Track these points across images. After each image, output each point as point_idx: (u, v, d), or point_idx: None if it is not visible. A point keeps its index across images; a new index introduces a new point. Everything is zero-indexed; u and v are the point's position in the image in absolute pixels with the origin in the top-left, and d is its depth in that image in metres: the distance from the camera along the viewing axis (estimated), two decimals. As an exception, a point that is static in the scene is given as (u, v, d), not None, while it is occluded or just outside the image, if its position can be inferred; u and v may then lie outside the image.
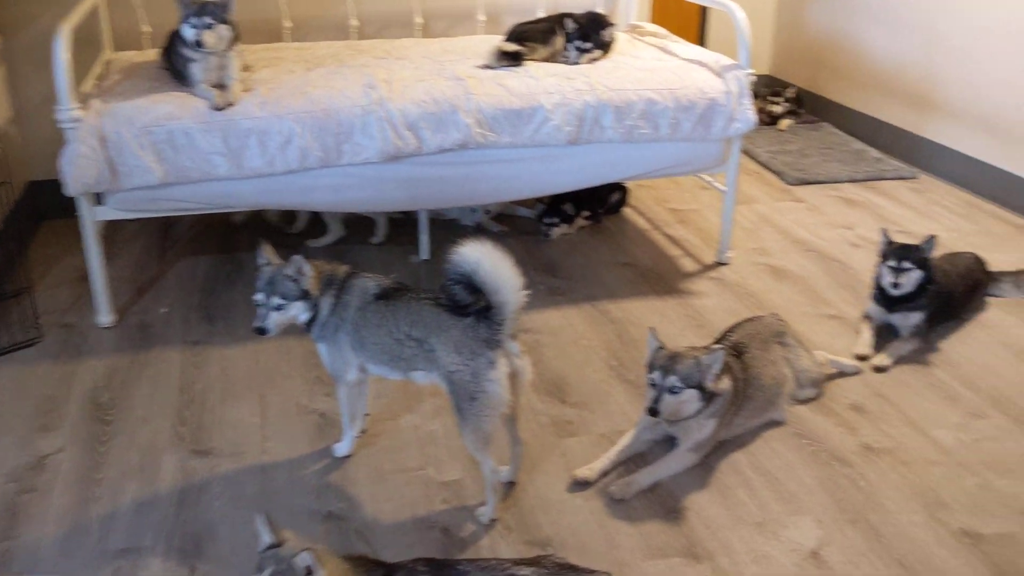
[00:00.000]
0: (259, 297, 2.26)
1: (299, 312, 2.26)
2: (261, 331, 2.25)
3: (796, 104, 5.48)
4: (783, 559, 2.12)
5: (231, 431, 2.60)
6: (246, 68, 3.33)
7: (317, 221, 3.87)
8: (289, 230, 3.90)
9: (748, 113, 3.37)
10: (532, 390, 2.74)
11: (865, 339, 3.04)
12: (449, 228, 3.90)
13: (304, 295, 2.24)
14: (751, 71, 3.40)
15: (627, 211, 4.17)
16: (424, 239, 3.62)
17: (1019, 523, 2.24)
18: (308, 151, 3.05)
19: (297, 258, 2.23)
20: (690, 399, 2.30)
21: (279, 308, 2.24)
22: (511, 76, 3.31)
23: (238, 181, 3.06)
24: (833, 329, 3.16)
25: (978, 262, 3.35)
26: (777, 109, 5.40)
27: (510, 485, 2.35)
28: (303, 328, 2.31)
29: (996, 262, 3.48)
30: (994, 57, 4.29)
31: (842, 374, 2.88)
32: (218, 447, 2.53)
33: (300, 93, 3.11)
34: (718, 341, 2.64)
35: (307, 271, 2.24)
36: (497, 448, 2.25)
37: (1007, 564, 2.11)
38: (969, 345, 3.08)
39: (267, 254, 2.29)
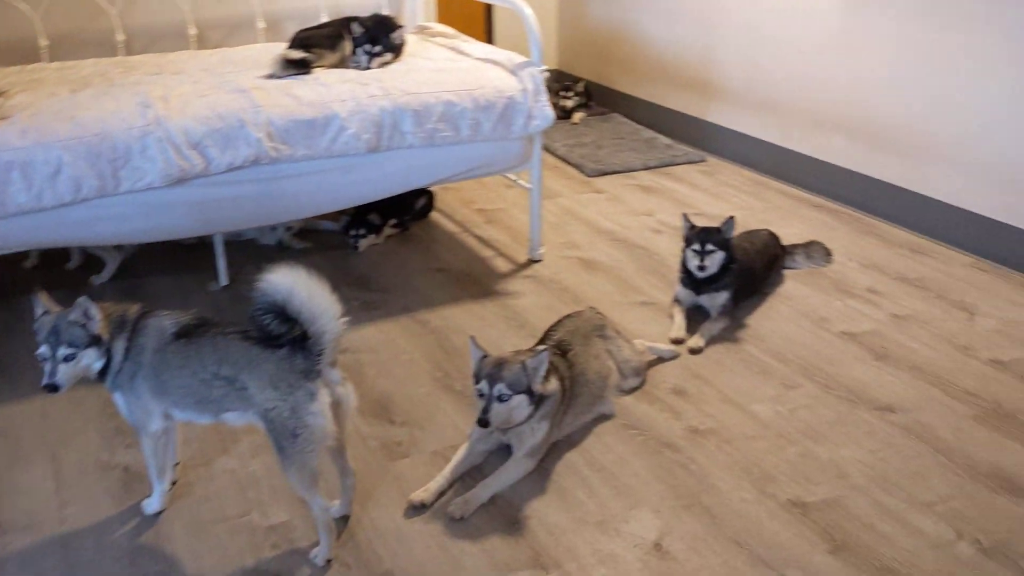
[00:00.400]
0: (43, 351, 2.01)
1: (91, 360, 2.03)
2: (52, 388, 2.01)
3: (586, 97, 5.59)
4: (628, 555, 2.11)
5: (23, 500, 2.32)
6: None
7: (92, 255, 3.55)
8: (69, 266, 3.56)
9: (546, 109, 3.37)
10: (358, 414, 2.61)
11: (678, 323, 3.11)
12: (248, 249, 3.69)
13: (95, 341, 2.02)
14: (544, 67, 3.41)
15: (435, 216, 4.10)
16: (222, 264, 3.39)
17: (840, 487, 2.34)
18: (82, 180, 2.77)
19: (82, 300, 2.01)
20: (520, 405, 2.25)
21: (69, 359, 2.01)
22: (300, 85, 3.15)
23: (1, 221, 2.74)
24: (646, 316, 3.22)
25: (773, 237, 3.51)
26: (569, 103, 5.48)
27: (344, 519, 2.22)
28: (95, 378, 2.08)
29: (786, 236, 3.66)
30: (768, 41, 4.52)
31: (661, 360, 2.93)
32: (8, 520, 2.25)
33: (67, 117, 2.83)
34: (541, 341, 2.61)
35: (95, 313, 2.02)
36: (326, 482, 2.12)
37: (834, 528, 2.19)
38: (773, 319, 3.21)
39: (43, 301, 2.04)
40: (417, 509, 2.25)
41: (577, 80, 5.69)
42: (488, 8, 5.75)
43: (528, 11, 3.41)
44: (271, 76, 3.25)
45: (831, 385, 2.79)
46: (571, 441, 2.52)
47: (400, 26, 3.53)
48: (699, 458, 2.45)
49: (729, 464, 2.43)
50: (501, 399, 2.23)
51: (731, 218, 3.14)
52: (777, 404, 2.70)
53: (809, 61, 4.30)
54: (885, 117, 4.00)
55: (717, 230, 3.13)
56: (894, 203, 4.02)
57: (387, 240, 3.83)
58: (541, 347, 2.45)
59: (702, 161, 4.84)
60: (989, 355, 2.96)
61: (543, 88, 3.37)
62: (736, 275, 3.16)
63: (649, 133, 5.20)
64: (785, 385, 2.80)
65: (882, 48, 3.95)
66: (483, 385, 2.24)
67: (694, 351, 2.98)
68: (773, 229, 3.58)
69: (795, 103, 4.43)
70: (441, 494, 2.29)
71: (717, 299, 3.15)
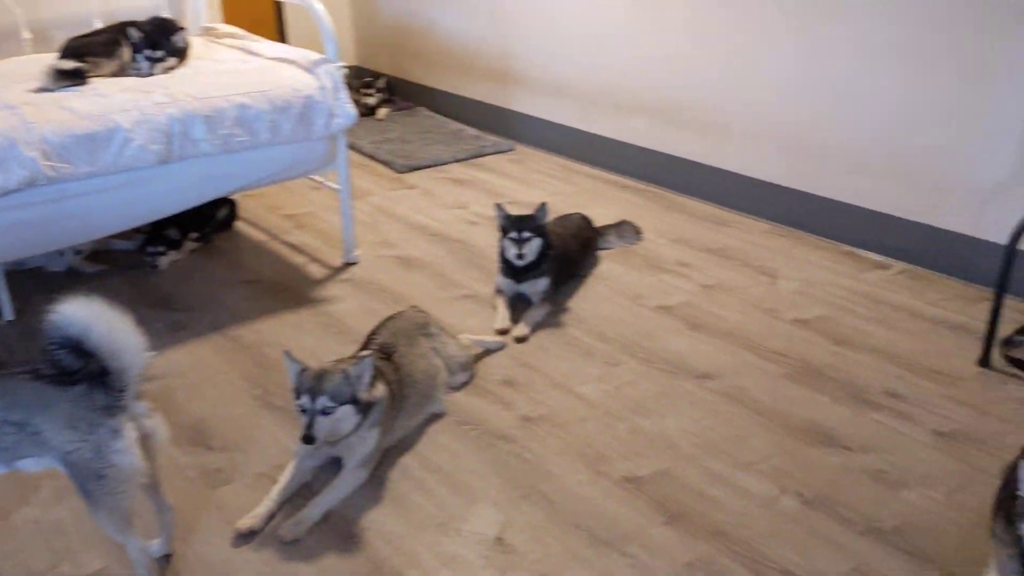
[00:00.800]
0: None
1: None
2: None
3: (389, 92, 5.51)
4: (470, 554, 2.07)
5: None
6: None
7: None
8: None
9: (347, 107, 3.27)
10: (172, 444, 2.44)
11: (502, 313, 3.10)
12: (36, 278, 3.39)
13: None
14: (341, 64, 3.31)
15: (239, 225, 3.91)
16: (4, 297, 3.09)
17: (669, 458, 2.39)
18: None
19: None
20: (346, 416, 2.16)
21: None
22: (75, 97, 2.91)
23: None
24: (470, 309, 3.19)
25: (585, 220, 3.56)
26: (372, 100, 5.39)
27: (166, 558, 2.06)
28: None
29: (598, 217, 3.73)
30: (561, 28, 4.59)
31: (488, 352, 2.91)
32: None
33: None
34: (364, 346, 2.52)
35: None
36: (142, 519, 1.96)
37: (668, 499, 2.24)
38: (592, 300, 3.26)
39: None
40: (245, 537, 2.12)
41: (378, 76, 5.60)
42: (279, 7, 5.55)
43: (319, 7, 3.30)
44: (42, 89, 2.98)
45: (652, 359, 2.86)
46: (404, 445, 2.45)
47: (182, 28, 3.33)
48: (533, 446, 2.45)
49: (563, 448, 2.44)
50: (325, 412, 2.13)
51: (544, 204, 3.16)
52: (603, 383, 2.74)
53: (603, 46, 4.40)
54: (679, 97, 4.15)
55: (532, 217, 3.14)
56: (695, 178, 4.18)
57: (189, 255, 3.61)
58: (363, 353, 2.37)
59: (511, 150, 4.87)
60: (793, 315, 3.12)
61: (342, 85, 3.27)
62: (554, 260, 3.19)
63: (456, 125, 5.18)
64: (609, 364, 2.84)
65: (671, 29, 4.09)
66: (304, 400, 2.14)
67: (520, 340, 2.98)
68: (585, 212, 3.64)
69: (594, 88, 4.52)
70: (270, 518, 2.17)
71: (538, 286, 3.16)
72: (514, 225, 3.10)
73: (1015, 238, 2.68)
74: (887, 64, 3.37)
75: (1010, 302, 3.09)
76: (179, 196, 3.07)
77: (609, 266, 3.52)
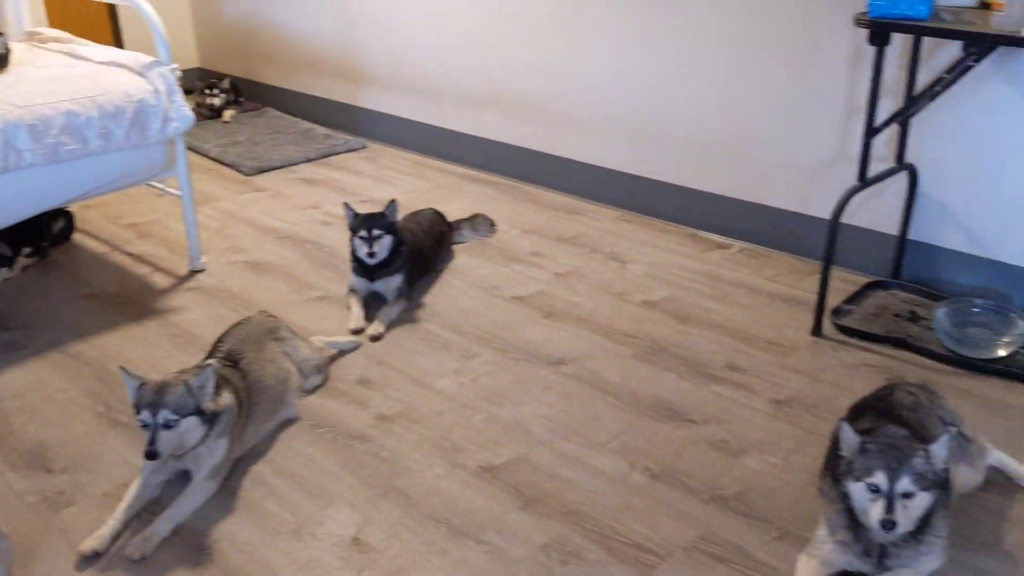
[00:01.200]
0: None
1: None
2: None
3: (235, 94, 5.38)
4: (327, 557, 2.06)
5: None
6: None
7: None
8: None
9: (183, 110, 3.18)
10: (7, 469, 2.32)
11: (356, 313, 3.08)
12: None
13: None
14: (175, 66, 3.21)
15: (77, 237, 3.74)
16: None
17: (524, 444, 2.44)
18: None
19: None
20: (191, 428, 2.11)
21: None
22: None
23: None
24: (324, 311, 3.16)
25: (438, 215, 3.57)
26: (217, 101, 5.25)
27: (3, 590, 1.97)
28: None
29: (452, 212, 3.75)
30: (405, 24, 4.58)
31: (343, 353, 2.89)
32: None
33: None
34: (210, 355, 2.46)
35: None
36: (-27, 555, 1.86)
37: (523, 484, 2.28)
38: (448, 294, 3.28)
39: None
40: (90, 559, 2.04)
41: (222, 77, 5.45)
42: (112, 9, 5.33)
43: (147, 8, 3.19)
44: None
45: (508, 349, 2.90)
46: (256, 452, 2.41)
47: (0, 34, 3.16)
48: (390, 443, 2.45)
49: (419, 443, 2.45)
50: (168, 426, 2.08)
51: (393, 201, 3.15)
52: (460, 376, 2.76)
53: (451, 41, 4.42)
54: (526, 90, 4.21)
55: (382, 215, 3.13)
56: (546, 169, 4.26)
57: (23, 272, 3.43)
58: (207, 362, 2.32)
59: (363, 148, 4.84)
60: (641, 297, 3.23)
61: (177, 88, 3.18)
62: (407, 257, 3.19)
63: (306, 124, 5.11)
64: (465, 356, 2.87)
65: (515, 24, 4.15)
66: (145, 415, 2.07)
67: (375, 338, 2.97)
68: (438, 207, 3.65)
69: (442, 83, 4.54)
70: (116, 537, 2.09)
71: (392, 283, 3.15)
72: (363, 224, 3.09)
73: (837, 213, 2.84)
74: (716, 53, 3.52)
75: (839, 273, 3.29)
76: (6, 210, 2.92)
77: (464, 259, 3.55)
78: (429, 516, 2.18)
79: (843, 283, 3.22)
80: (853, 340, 2.92)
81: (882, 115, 2.88)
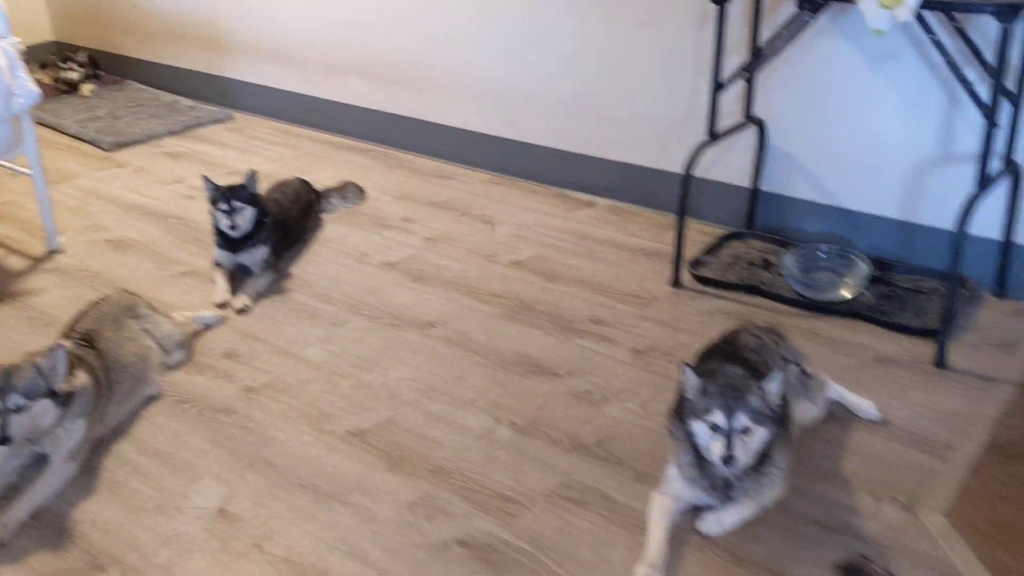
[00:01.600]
0: None
1: None
2: None
3: (93, 67, 5.18)
4: (192, 530, 2.06)
5: None
6: None
7: None
8: None
9: (28, 85, 3.06)
10: None
11: (221, 287, 3.05)
12: None
13: None
14: (18, 40, 3.08)
15: (-76, 222, 3.58)
16: None
17: (392, 407, 2.47)
18: None
19: None
20: (44, 410, 2.07)
21: None
22: None
23: None
24: (190, 286, 3.12)
25: (304, 184, 3.55)
26: (74, 75, 5.04)
27: None
28: None
29: (322, 180, 3.73)
30: (265, -9, 4.49)
31: (208, 327, 2.86)
32: None
33: None
34: (65, 336, 2.41)
35: None
36: None
37: (390, 446, 2.32)
38: (317, 263, 3.27)
39: None
40: (-58, 552, 1.99)
41: (78, 49, 5.24)
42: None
43: (-19, -22, 3.05)
44: None
45: (377, 315, 2.93)
46: (119, 431, 2.38)
47: None
48: (257, 415, 2.45)
49: (287, 413, 2.46)
50: (19, 410, 2.03)
51: (253, 171, 3.12)
52: (328, 344, 2.77)
53: (315, 7, 4.35)
54: (392, 55, 4.19)
55: (242, 186, 3.09)
56: (416, 135, 4.26)
57: None
58: (60, 343, 2.26)
59: (229, 119, 4.74)
60: (509, 258, 3.29)
61: (20, 62, 3.05)
62: (272, 228, 3.16)
63: (169, 97, 4.96)
64: (334, 324, 2.88)
65: (375, -12, 4.12)
66: (-8, 400, 2.02)
67: (241, 311, 2.95)
68: (308, 176, 3.63)
69: (307, 50, 4.47)
70: (-31, 527, 2.05)
71: (257, 255, 3.13)
72: (223, 196, 3.05)
73: (689, 168, 2.95)
74: (571, 15, 3.58)
75: (698, 226, 3.41)
76: None
77: (334, 228, 3.54)
78: (296, 483, 2.20)
79: (702, 235, 3.35)
80: (710, 289, 3.05)
81: (729, 73, 2.99)
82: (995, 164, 2.70)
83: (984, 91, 2.54)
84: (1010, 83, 2.66)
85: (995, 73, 2.48)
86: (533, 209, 3.69)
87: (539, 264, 3.24)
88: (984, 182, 2.57)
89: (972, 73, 2.64)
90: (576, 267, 3.21)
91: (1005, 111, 2.69)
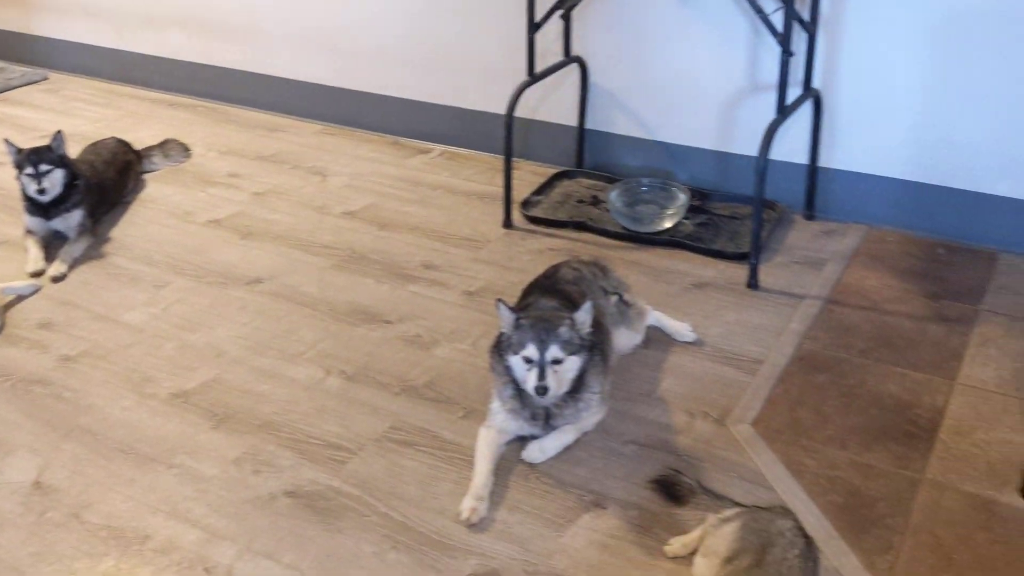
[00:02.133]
0: None
1: None
2: None
3: None
4: (6, 505, 1.98)
5: None
6: None
7: None
8: None
9: None
10: None
11: (34, 255, 2.91)
12: None
13: None
14: None
15: None
16: None
17: (216, 366, 2.42)
18: None
19: None
20: None
21: None
22: None
23: None
24: (2, 256, 2.95)
25: (121, 144, 3.39)
26: None
27: None
28: None
29: (144, 139, 3.58)
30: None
31: (22, 298, 2.72)
32: None
33: None
34: None
35: None
36: None
37: (216, 405, 2.28)
38: (138, 224, 3.15)
39: None
40: None
41: None
42: None
43: None
44: None
45: (201, 274, 2.85)
46: (-78, 413, 2.26)
47: None
48: (74, 384, 2.36)
49: (106, 379, 2.38)
50: None
51: (59, 132, 2.97)
52: (150, 307, 2.69)
53: (122, -43, 4.14)
54: (212, 5, 4.03)
55: (48, 148, 2.94)
56: (244, 88, 4.13)
57: None
58: None
59: (44, 79, 4.48)
60: (342, 209, 3.25)
61: None
62: (86, 190, 3.02)
63: (-25, 59, 4.64)
64: (156, 286, 2.79)
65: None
66: None
67: (57, 279, 2.82)
68: (131, 136, 3.48)
69: (122, 3, 4.25)
70: None
71: (71, 220, 2.99)
72: (28, 159, 2.89)
73: (511, 108, 2.98)
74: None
75: (531, 167, 3.46)
76: None
77: (156, 188, 3.41)
78: (116, 449, 2.14)
79: (534, 176, 3.39)
80: (541, 228, 3.10)
81: (544, 11, 3.01)
82: (794, 91, 2.83)
83: (779, 20, 2.64)
84: (805, 13, 2.78)
85: (786, 0, 2.58)
86: (367, 158, 3.65)
87: (372, 213, 3.22)
88: (783, 109, 2.69)
89: (770, 3, 2.74)
90: (410, 214, 3.21)
91: (802, 40, 2.82)
